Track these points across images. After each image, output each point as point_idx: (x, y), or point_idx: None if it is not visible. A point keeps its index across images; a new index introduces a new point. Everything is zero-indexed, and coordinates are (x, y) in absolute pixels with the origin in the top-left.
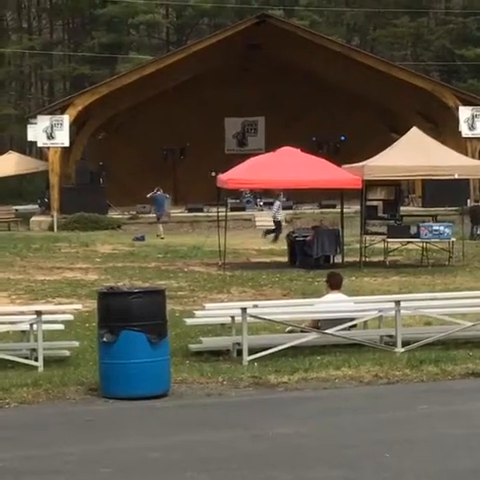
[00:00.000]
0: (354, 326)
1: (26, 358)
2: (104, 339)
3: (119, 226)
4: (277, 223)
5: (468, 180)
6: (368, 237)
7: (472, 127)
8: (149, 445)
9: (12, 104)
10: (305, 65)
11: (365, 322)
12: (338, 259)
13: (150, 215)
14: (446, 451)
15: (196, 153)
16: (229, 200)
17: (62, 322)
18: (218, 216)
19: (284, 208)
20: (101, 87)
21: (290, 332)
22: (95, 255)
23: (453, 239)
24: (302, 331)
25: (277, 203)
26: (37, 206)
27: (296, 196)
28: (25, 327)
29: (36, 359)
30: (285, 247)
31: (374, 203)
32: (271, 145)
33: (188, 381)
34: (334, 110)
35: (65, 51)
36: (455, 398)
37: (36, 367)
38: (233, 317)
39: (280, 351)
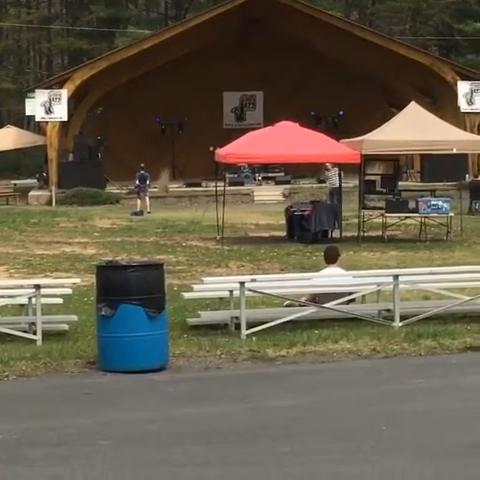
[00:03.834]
0: (352, 300)
1: (25, 332)
2: (103, 313)
3: (117, 201)
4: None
5: (466, 155)
6: (366, 212)
7: (471, 102)
8: (147, 418)
9: (10, 78)
10: (304, 39)
11: (363, 296)
12: (336, 234)
13: (150, 190)
14: (443, 424)
15: (194, 128)
16: (227, 175)
17: (61, 296)
18: (216, 191)
19: (282, 182)
20: (99, 61)
21: (288, 306)
22: (93, 230)
23: (451, 214)
24: (300, 305)
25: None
26: (35, 180)
27: (294, 170)
28: (24, 301)
29: (35, 333)
30: (283, 221)
31: (372, 178)
32: (269, 120)
33: (186, 355)
34: (333, 85)
35: (63, 25)
36: (453, 372)
37: (35, 341)
38: (231, 291)
39: (278, 325)
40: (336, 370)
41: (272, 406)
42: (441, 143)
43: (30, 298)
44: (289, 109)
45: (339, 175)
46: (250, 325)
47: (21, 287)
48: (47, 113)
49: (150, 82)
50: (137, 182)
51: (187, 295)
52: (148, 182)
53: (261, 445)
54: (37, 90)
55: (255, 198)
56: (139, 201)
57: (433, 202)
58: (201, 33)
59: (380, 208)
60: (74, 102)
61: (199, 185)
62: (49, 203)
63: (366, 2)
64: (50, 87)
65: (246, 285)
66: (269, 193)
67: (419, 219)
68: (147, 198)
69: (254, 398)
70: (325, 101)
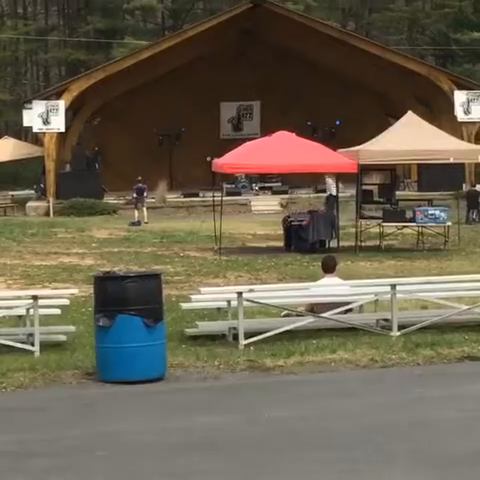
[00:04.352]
0: (350, 310)
1: (23, 343)
2: (100, 323)
3: (115, 211)
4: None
5: (463, 164)
6: (364, 221)
7: (467, 111)
8: (145, 428)
9: (8, 89)
10: (300, 49)
11: (361, 306)
12: (334, 243)
13: (148, 200)
14: (442, 434)
15: (191, 138)
16: (225, 185)
17: (58, 307)
18: (214, 201)
19: (279, 192)
20: (96, 72)
21: (286, 316)
22: (91, 240)
23: (449, 223)
24: (298, 315)
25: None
26: (33, 191)
27: (292, 180)
28: (22, 312)
29: (33, 344)
30: (281, 231)
31: (370, 187)
32: (266, 130)
33: (184, 365)
34: (329, 94)
35: (60, 36)
36: (451, 381)
37: (33, 352)
38: (229, 301)
39: (276, 335)
40: (334, 380)
41: (270, 416)
42: (438, 153)
43: (28, 309)
44: (286, 119)
45: (336, 184)
46: (248, 335)
47: (19, 298)
48: (44, 124)
49: (147, 93)
50: (134, 194)
51: (185, 305)
52: (145, 194)
53: (259, 455)
54: (34, 101)
55: (252, 208)
56: (137, 212)
57: (430, 211)
58: (198, 44)
59: (377, 218)
60: (71, 113)
61: (196, 195)
62: (47, 214)
63: (362, 12)
64: (47, 98)
65: (244, 295)
66: (266, 203)
67: (416, 228)
68: (144, 209)
69: (252, 408)
70: (322, 111)
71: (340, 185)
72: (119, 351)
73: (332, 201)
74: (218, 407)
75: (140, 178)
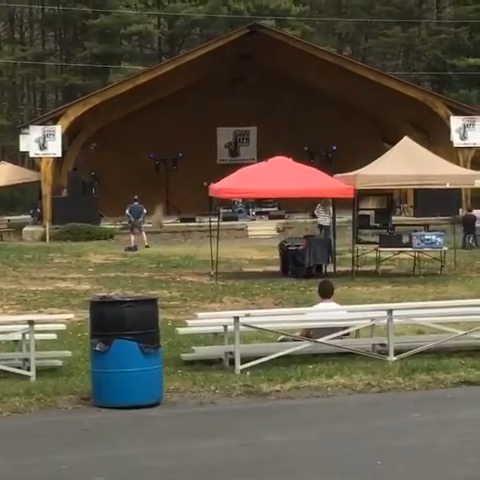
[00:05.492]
0: (347, 335)
1: (18, 368)
2: (97, 348)
3: (111, 236)
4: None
5: (460, 189)
6: (360, 246)
7: (464, 137)
8: (142, 453)
9: (4, 114)
10: (297, 75)
11: (357, 331)
12: (330, 268)
13: (145, 225)
14: (438, 459)
15: (188, 163)
16: (221, 210)
17: (54, 332)
18: (210, 226)
19: (275, 217)
20: (93, 97)
21: (282, 341)
22: (87, 265)
23: (445, 248)
24: (294, 340)
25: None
26: (29, 216)
27: (288, 205)
28: (17, 337)
29: (28, 369)
30: (277, 256)
31: (366, 212)
32: (263, 155)
33: (180, 390)
34: (326, 120)
35: (57, 62)
36: (447, 406)
37: (28, 377)
38: (225, 326)
39: (272, 360)
40: (330, 405)
41: (266, 441)
42: (434, 178)
43: (24, 334)
44: (283, 144)
45: (333, 209)
46: (244, 360)
47: (15, 323)
48: (41, 149)
49: (144, 118)
50: (128, 212)
51: (181, 330)
52: (144, 216)
53: None
54: (31, 126)
55: (249, 233)
56: (132, 236)
57: (427, 236)
58: (195, 69)
59: (374, 243)
60: (68, 138)
61: (193, 220)
62: (43, 239)
63: (359, 38)
64: (44, 123)
65: (240, 320)
66: (263, 228)
67: (413, 253)
68: (143, 233)
69: (249, 433)
70: (318, 136)
71: (331, 210)
72: (115, 376)
73: (324, 231)
74: (214, 432)
75: (136, 197)
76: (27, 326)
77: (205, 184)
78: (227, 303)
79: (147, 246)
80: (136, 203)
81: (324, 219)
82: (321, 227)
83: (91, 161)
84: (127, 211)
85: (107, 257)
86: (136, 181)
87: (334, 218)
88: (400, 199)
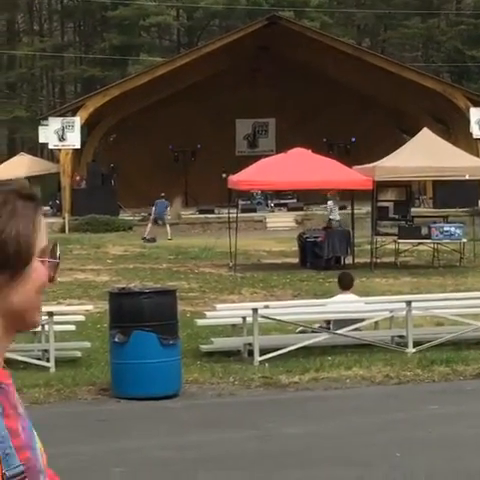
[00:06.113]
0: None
1: (38, 359)
2: (116, 339)
3: (130, 228)
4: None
5: (479, 181)
6: (379, 238)
7: None
8: (160, 444)
9: (24, 106)
10: (316, 66)
11: (376, 322)
12: (349, 260)
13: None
14: (457, 451)
15: (207, 155)
16: (240, 201)
17: (74, 323)
18: (229, 217)
19: (294, 209)
20: (112, 89)
21: (301, 332)
22: (106, 257)
23: (464, 240)
24: (313, 331)
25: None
26: (48, 208)
27: (307, 197)
28: (37, 328)
29: (48, 360)
30: (296, 248)
31: (385, 204)
32: (282, 146)
33: (199, 381)
34: (345, 111)
35: (76, 53)
36: (466, 398)
37: (48, 368)
38: (244, 318)
39: (291, 351)
40: (349, 397)
41: (285, 433)
42: (453, 169)
43: (43, 325)
44: (301, 136)
45: (352, 201)
46: (263, 352)
47: None
48: (60, 141)
49: (163, 109)
50: (153, 208)
51: (200, 322)
52: (168, 210)
53: (274, 472)
54: (50, 118)
55: (268, 225)
56: (149, 227)
57: (446, 228)
58: (213, 60)
59: (393, 234)
60: (87, 129)
61: (212, 212)
62: (62, 230)
63: (378, 29)
64: (63, 115)
65: (259, 312)
66: (282, 220)
67: (432, 245)
68: (168, 225)
69: (267, 425)
70: (337, 128)
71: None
72: (134, 367)
73: (335, 225)
74: (233, 423)
75: (163, 194)
76: (46, 317)
77: (224, 176)
78: (246, 295)
79: (170, 239)
80: (163, 200)
81: (337, 215)
82: (334, 221)
83: (110, 153)
84: (153, 208)
85: (126, 248)
86: (155, 173)
87: (353, 210)
88: (419, 191)
